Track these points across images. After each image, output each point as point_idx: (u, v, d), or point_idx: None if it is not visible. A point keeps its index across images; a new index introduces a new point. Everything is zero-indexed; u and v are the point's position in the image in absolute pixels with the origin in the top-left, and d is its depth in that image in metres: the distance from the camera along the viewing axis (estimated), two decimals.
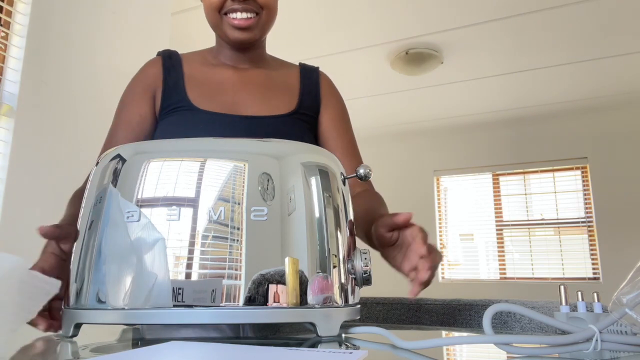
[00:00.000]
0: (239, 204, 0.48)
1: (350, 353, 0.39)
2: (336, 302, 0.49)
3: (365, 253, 0.55)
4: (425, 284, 0.57)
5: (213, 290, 0.45)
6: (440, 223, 4.76)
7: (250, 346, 0.43)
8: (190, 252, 0.47)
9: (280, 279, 0.46)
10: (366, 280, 0.55)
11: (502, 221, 4.54)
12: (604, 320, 0.38)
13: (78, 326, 0.50)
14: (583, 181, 4.28)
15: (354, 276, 0.53)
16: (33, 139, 1.73)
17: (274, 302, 0.46)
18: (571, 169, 4.34)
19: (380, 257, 0.66)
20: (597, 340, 0.37)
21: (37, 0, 1.78)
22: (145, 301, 0.46)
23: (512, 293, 4.20)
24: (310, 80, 0.94)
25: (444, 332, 0.78)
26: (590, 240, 4.15)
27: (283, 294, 0.46)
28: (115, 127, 0.88)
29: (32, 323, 0.55)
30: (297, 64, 0.99)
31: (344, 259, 0.52)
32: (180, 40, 2.78)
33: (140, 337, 0.61)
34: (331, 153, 0.58)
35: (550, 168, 4.39)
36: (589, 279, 4.10)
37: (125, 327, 0.66)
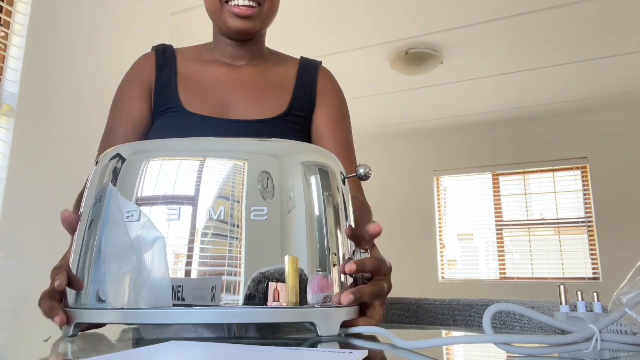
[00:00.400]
0: (238, 202, 0.48)
1: (350, 353, 0.39)
2: (336, 302, 0.49)
3: (365, 252, 0.55)
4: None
5: (213, 288, 0.45)
6: (440, 223, 4.76)
7: (250, 346, 0.43)
8: (190, 250, 0.47)
9: (280, 278, 0.46)
10: (366, 279, 0.55)
11: (502, 221, 4.54)
12: (603, 320, 0.38)
13: (78, 326, 0.50)
14: (583, 181, 4.28)
15: (353, 276, 0.53)
16: (33, 139, 1.73)
17: (274, 301, 0.46)
18: (571, 169, 4.34)
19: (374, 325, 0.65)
20: (597, 340, 0.37)
21: (37, 0, 1.78)
22: (145, 300, 0.46)
23: (512, 293, 4.20)
24: (308, 77, 0.92)
25: (444, 332, 0.78)
26: (590, 240, 4.15)
27: (283, 292, 0.46)
28: (115, 124, 0.86)
29: (50, 315, 0.51)
30: (299, 58, 0.96)
31: (344, 258, 0.52)
32: (181, 40, 2.77)
33: (140, 337, 0.61)
34: (331, 152, 0.58)
35: (550, 168, 4.40)
36: (589, 279, 4.10)
37: (125, 327, 0.66)
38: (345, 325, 0.51)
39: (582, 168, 4.29)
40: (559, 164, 4.35)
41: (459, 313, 1.01)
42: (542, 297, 4.07)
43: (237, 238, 0.47)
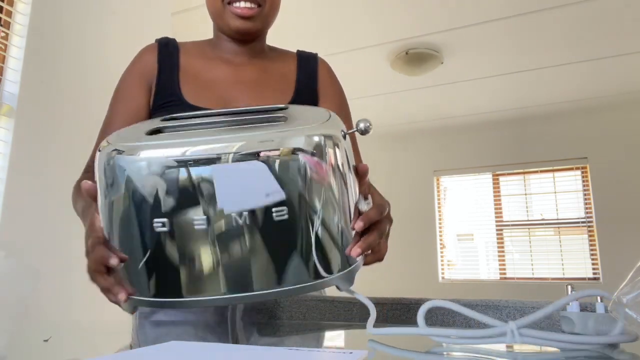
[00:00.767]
0: (257, 205, 0.49)
1: (350, 353, 0.39)
2: (347, 254, 0.53)
3: (367, 199, 0.57)
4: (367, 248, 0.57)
5: (248, 276, 0.50)
6: (440, 223, 4.76)
7: (249, 346, 0.43)
8: (222, 249, 0.49)
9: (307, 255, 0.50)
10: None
11: (502, 221, 4.54)
12: (522, 319, 0.45)
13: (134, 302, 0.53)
14: (583, 181, 4.28)
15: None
16: (33, 139, 1.73)
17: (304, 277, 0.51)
18: (571, 169, 4.34)
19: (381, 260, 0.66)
20: (513, 333, 0.44)
21: (37, 0, 1.78)
22: (194, 291, 0.50)
23: (512, 293, 4.20)
24: (308, 69, 0.93)
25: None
26: (590, 240, 4.15)
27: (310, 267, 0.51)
28: (112, 118, 0.87)
29: (112, 291, 0.52)
30: (295, 51, 0.98)
31: (353, 213, 0.54)
32: (181, 40, 2.78)
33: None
34: (324, 110, 0.58)
35: (550, 168, 4.40)
36: (589, 279, 4.10)
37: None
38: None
39: (582, 168, 4.29)
40: (559, 164, 4.35)
41: (458, 313, 1.01)
42: (542, 297, 4.07)
43: (262, 236, 0.49)
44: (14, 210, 1.63)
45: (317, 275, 0.51)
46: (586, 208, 4.22)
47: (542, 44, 3.13)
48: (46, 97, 1.79)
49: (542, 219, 4.40)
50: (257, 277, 0.50)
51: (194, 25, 2.76)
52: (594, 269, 4.09)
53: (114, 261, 0.49)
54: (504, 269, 4.44)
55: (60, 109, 1.83)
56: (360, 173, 0.57)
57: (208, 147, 0.48)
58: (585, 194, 4.25)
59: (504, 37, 3.05)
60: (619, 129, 4.13)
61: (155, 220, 0.48)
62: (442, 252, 4.70)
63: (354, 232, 0.54)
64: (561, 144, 4.32)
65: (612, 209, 4.05)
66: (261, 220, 0.48)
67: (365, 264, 0.59)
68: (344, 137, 0.54)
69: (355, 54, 3.26)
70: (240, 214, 0.48)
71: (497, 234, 4.53)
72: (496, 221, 4.55)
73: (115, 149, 0.49)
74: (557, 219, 4.32)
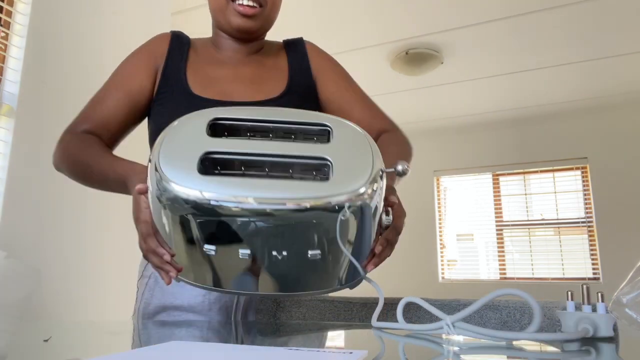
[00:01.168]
0: (297, 250, 0.55)
1: (350, 353, 0.39)
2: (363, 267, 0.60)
3: (389, 214, 0.61)
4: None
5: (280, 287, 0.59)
6: (440, 223, 4.76)
7: (250, 346, 0.43)
8: (261, 273, 0.57)
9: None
10: (386, 226, 0.62)
11: (502, 221, 4.54)
12: (457, 314, 0.51)
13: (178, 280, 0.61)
14: (583, 181, 4.28)
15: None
16: (33, 139, 1.73)
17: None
18: (571, 169, 4.34)
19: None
20: (448, 327, 0.50)
21: (37, 0, 1.78)
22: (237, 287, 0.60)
23: None
24: (297, 53, 0.96)
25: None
26: (590, 241, 4.15)
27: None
28: (110, 87, 0.88)
29: (164, 268, 0.59)
30: (282, 41, 0.99)
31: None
32: None
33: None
34: (365, 144, 0.59)
35: (551, 168, 4.40)
36: (589, 279, 4.10)
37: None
38: None
39: (582, 168, 4.29)
40: (559, 164, 4.35)
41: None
42: (542, 297, 4.07)
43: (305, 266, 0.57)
44: (14, 210, 1.63)
45: (331, 285, 0.59)
46: (586, 208, 4.23)
47: (542, 44, 3.13)
48: (46, 97, 1.79)
49: (542, 219, 4.40)
50: (285, 285, 0.59)
51: (194, 25, 2.77)
52: (594, 269, 4.09)
53: (167, 257, 0.58)
54: (504, 269, 4.44)
55: (60, 109, 1.83)
56: (394, 216, 0.63)
57: (259, 200, 0.51)
58: (585, 194, 4.25)
59: (504, 37, 3.05)
60: (619, 129, 4.13)
61: (206, 246, 0.54)
62: (442, 252, 4.70)
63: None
64: (561, 144, 4.32)
65: (612, 209, 4.05)
66: (297, 258, 0.55)
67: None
68: (381, 178, 0.56)
69: (355, 54, 3.26)
70: (280, 253, 0.54)
71: (497, 234, 4.53)
72: (496, 221, 4.55)
73: (174, 181, 0.52)
74: (557, 219, 4.32)
